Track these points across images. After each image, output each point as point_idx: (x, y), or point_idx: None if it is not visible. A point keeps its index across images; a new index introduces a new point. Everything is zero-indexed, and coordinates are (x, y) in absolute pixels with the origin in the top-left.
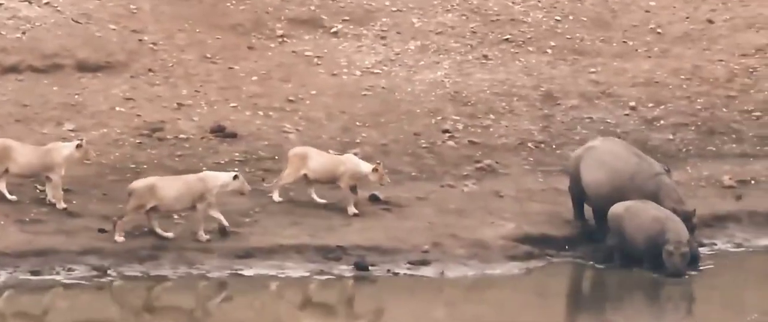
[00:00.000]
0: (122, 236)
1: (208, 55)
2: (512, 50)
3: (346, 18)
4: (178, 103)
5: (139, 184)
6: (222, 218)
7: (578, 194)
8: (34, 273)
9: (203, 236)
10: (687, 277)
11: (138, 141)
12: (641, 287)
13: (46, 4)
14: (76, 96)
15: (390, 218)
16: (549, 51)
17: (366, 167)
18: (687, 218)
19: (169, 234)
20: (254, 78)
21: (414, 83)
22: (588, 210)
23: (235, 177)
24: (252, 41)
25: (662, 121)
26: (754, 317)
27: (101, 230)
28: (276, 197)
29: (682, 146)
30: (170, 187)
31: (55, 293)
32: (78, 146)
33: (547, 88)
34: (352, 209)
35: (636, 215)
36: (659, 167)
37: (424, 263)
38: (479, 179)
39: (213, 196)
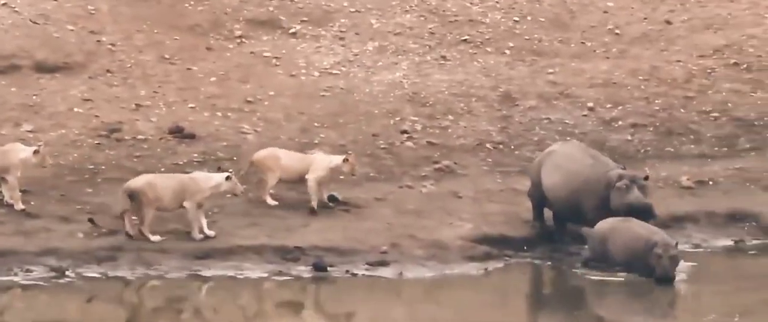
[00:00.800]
0: (157, 235)
1: (167, 56)
2: (470, 51)
3: (305, 19)
4: (136, 104)
5: (138, 182)
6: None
7: (539, 198)
8: None
9: (197, 235)
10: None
11: (96, 142)
12: (599, 287)
13: (4, 4)
14: (34, 97)
15: (348, 219)
16: (507, 52)
17: (337, 160)
18: (644, 210)
19: (157, 237)
20: (213, 79)
21: (372, 84)
22: (547, 212)
23: (228, 178)
24: (210, 42)
25: (620, 122)
26: (712, 317)
27: (91, 220)
28: (270, 201)
29: (640, 147)
30: (167, 186)
31: (12, 294)
32: (35, 152)
33: (505, 89)
34: (315, 204)
35: (620, 234)
36: (614, 166)
37: (383, 263)
38: (437, 180)
39: (204, 196)
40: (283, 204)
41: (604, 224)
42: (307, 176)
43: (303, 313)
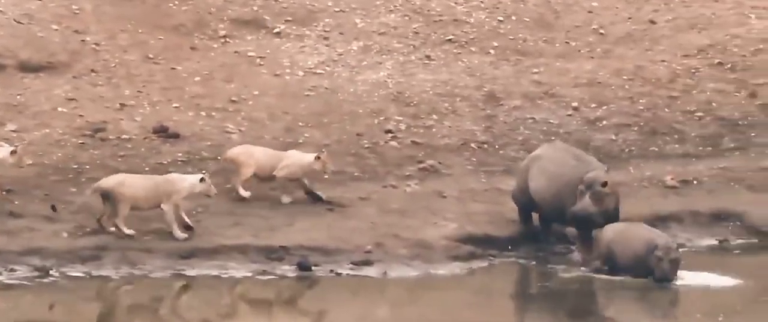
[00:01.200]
0: (131, 229)
1: (151, 56)
2: (455, 51)
3: (289, 18)
4: (120, 104)
5: (110, 182)
6: (185, 219)
7: (525, 202)
8: None
9: (179, 234)
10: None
11: (80, 141)
12: (583, 287)
13: None
14: (18, 96)
15: (333, 218)
16: (492, 51)
17: (309, 157)
18: (585, 219)
19: (131, 231)
20: (197, 78)
21: (357, 84)
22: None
23: (202, 179)
24: (194, 42)
25: (605, 122)
26: (697, 317)
27: (53, 207)
28: (244, 192)
29: (624, 147)
30: (140, 185)
31: None
32: (12, 152)
33: (489, 89)
34: (286, 198)
35: (624, 237)
36: (598, 166)
37: (367, 263)
38: (422, 180)
39: (181, 197)
40: (267, 204)
41: (609, 229)
42: (275, 173)
43: (287, 312)
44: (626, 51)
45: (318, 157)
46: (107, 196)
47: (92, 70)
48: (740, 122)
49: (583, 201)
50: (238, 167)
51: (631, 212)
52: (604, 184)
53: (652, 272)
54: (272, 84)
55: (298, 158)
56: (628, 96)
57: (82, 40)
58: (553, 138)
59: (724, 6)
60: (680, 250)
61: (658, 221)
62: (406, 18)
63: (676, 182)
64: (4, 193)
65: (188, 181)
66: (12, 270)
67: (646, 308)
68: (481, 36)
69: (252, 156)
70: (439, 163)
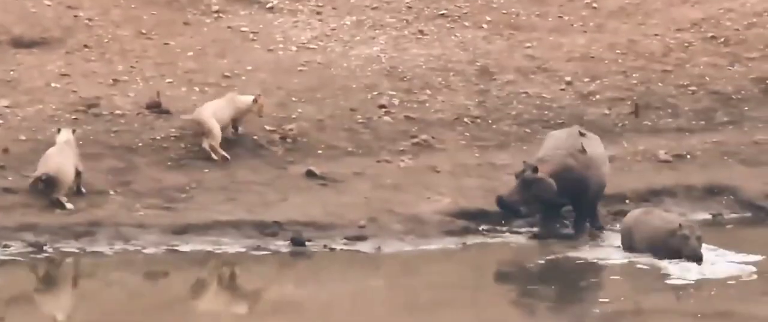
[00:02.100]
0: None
1: (144, 31)
2: (448, 25)
3: None
4: (113, 79)
5: (50, 167)
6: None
7: None
8: None
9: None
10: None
11: (74, 117)
12: (574, 262)
13: None
14: (12, 72)
15: (326, 194)
16: (485, 26)
17: (248, 99)
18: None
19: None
20: (190, 54)
21: (350, 58)
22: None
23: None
24: (187, 17)
25: (598, 96)
26: (690, 291)
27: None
28: (219, 154)
29: (617, 121)
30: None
31: None
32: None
33: (482, 63)
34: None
35: (643, 224)
36: (571, 150)
37: (361, 238)
38: (415, 155)
39: None
40: (261, 179)
41: (629, 216)
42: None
43: (281, 287)
44: (619, 25)
45: (255, 100)
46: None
47: (85, 46)
48: (733, 96)
49: (510, 188)
50: (208, 131)
51: (624, 187)
52: (530, 170)
53: (673, 254)
54: (265, 59)
55: (242, 104)
56: (622, 70)
57: (75, 16)
58: (546, 112)
59: None
60: None
61: (651, 195)
62: None
63: (669, 157)
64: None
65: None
66: (6, 246)
67: (631, 282)
68: (474, 10)
69: (215, 115)
70: (433, 138)
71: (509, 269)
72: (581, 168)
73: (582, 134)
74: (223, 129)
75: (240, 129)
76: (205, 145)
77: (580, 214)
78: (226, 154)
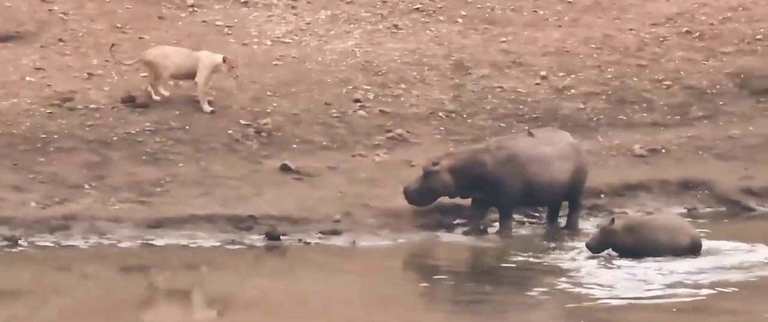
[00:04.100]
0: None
1: (119, 25)
2: (423, 20)
3: None
4: (88, 73)
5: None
6: None
7: None
8: None
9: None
10: None
11: (49, 111)
12: (547, 253)
13: None
14: None
15: (301, 188)
16: (460, 20)
17: (218, 58)
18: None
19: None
20: None
21: (325, 53)
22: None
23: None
24: (162, 11)
25: (573, 91)
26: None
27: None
28: (162, 94)
29: (593, 115)
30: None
31: None
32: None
33: (457, 58)
34: (207, 107)
35: (645, 226)
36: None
37: (336, 232)
38: (390, 149)
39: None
40: (236, 173)
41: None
42: (196, 80)
43: (255, 281)
44: (594, 19)
45: (225, 59)
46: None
47: (60, 40)
48: (708, 91)
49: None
50: (155, 70)
51: (599, 181)
52: (435, 163)
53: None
54: (240, 53)
55: (210, 59)
56: (597, 65)
57: (50, 10)
58: (521, 107)
59: None
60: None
61: (626, 189)
62: None
63: (644, 151)
64: None
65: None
66: None
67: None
68: (449, 5)
69: (168, 57)
70: (408, 132)
71: (481, 263)
72: (495, 164)
73: (530, 134)
74: (178, 78)
75: (206, 95)
76: (154, 84)
77: (573, 209)
78: (165, 93)
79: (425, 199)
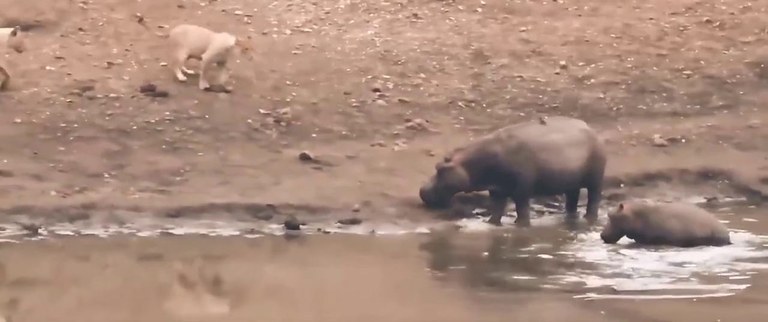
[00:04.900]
0: None
1: (139, 14)
2: (442, 9)
3: None
4: (108, 62)
5: None
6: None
7: None
8: None
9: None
10: None
11: (68, 100)
12: (566, 243)
13: None
14: (7, 55)
15: (320, 177)
16: (479, 9)
17: (230, 40)
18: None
19: None
20: None
21: (344, 42)
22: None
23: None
24: (182, 0)
25: (593, 80)
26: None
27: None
28: (180, 76)
29: (612, 105)
30: None
31: None
32: (13, 33)
33: (477, 47)
34: (203, 83)
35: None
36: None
37: (355, 221)
38: (409, 138)
39: None
40: (255, 163)
41: (638, 205)
42: (202, 55)
43: (275, 270)
44: (614, 9)
45: (237, 42)
46: None
47: (80, 29)
48: (728, 80)
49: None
50: (174, 48)
51: (619, 171)
52: (448, 159)
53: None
54: (260, 42)
55: (221, 40)
56: (616, 54)
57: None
58: (540, 96)
59: None
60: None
61: (646, 179)
62: None
63: (664, 140)
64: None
65: None
66: (1, 229)
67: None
68: None
69: (186, 36)
70: (427, 121)
71: (499, 253)
72: (506, 154)
73: (542, 122)
74: (195, 57)
75: (225, 75)
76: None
77: (592, 197)
78: (183, 75)
79: (443, 197)
